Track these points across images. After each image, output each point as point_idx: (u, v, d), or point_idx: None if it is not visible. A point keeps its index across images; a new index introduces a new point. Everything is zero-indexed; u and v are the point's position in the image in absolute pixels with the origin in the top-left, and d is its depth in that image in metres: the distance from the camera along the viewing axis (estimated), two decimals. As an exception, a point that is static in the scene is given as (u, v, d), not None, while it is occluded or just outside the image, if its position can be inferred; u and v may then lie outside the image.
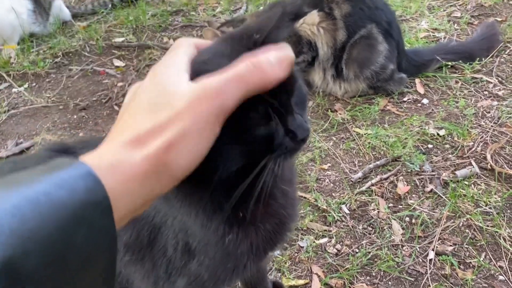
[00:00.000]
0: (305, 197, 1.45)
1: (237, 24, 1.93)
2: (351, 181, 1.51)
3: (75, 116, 1.94)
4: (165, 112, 0.41)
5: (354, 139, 1.70)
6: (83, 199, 0.35)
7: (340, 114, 1.84)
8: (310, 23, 1.86)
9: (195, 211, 0.58)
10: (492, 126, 1.66)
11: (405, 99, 1.90)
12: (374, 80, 1.88)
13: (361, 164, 1.60)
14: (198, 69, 0.45)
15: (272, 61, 0.44)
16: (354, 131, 1.75)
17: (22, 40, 2.44)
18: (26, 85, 2.15)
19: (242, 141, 0.50)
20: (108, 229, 0.37)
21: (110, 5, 2.82)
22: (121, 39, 2.49)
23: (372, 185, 1.48)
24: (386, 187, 1.47)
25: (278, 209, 0.64)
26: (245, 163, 0.51)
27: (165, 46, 2.38)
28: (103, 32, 2.55)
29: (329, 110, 1.86)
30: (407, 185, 1.46)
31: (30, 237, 0.32)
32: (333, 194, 1.47)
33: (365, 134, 1.71)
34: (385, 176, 1.51)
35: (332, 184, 1.52)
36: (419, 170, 1.51)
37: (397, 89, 1.92)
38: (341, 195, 1.46)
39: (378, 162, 1.57)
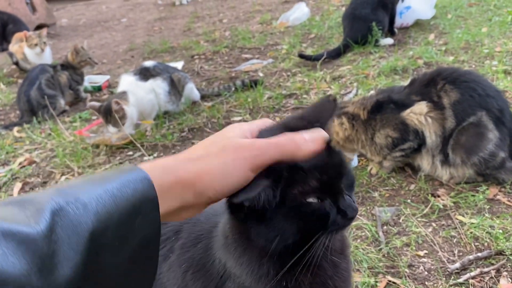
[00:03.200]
0: (394, 283, 1.41)
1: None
2: (448, 271, 1.43)
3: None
4: (216, 147, 0.57)
5: (456, 227, 1.63)
6: (140, 197, 0.50)
7: (443, 200, 1.78)
8: (418, 112, 1.87)
9: (246, 271, 0.67)
10: None
11: (519, 189, 1.77)
12: (482, 167, 1.79)
13: (461, 254, 1.51)
14: (259, 134, 0.62)
15: (307, 139, 0.59)
16: (457, 219, 1.67)
17: (157, 116, 2.87)
18: (155, 155, 2.50)
19: (301, 220, 0.60)
20: (155, 220, 0.51)
21: (233, 88, 3.18)
22: (238, 118, 2.77)
23: (471, 278, 1.38)
24: (486, 282, 1.36)
25: (326, 280, 0.68)
26: (299, 237, 0.61)
27: (276, 125, 2.59)
28: (224, 112, 2.88)
29: (431, 195, 1.82)
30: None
31: (108, 218, 0.46)
32: (426, 283, 1.41)
33: (468, 223, 1.63)
34: (486, 269, 1.40)
35: (426, 272, 1.46)
36: (526, 267, 1.38)
37: (510, 178, 1.81)
38: (435, 284, 1.39)
39: (479, 254, 1.47)
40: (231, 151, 0.56)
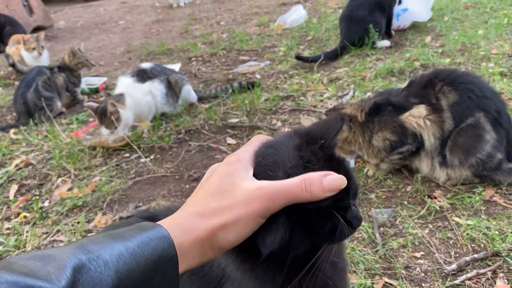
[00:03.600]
0: (391, 284, 1.41)
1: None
2: (444, 272, 1.43)
3: (187, 186, 2.19)
4: (227, 199, 0.57)
5: (452, 229, 1.63)
6: (160, 255, 0.51)
7: (440, 201, 1.78)
8: (417, 115, 1.86)
9: (249, 277, 0.67)
10: None
11: (515, 190, 1.78)
12: (480, 169, 1.80)
13: (457, 255, 1.51)
14: (261, 171, 0.60)
15: (325, 188, 0.57)
16: (454, 220, 1.67)
17: (154, 118, 2.87)
18: (152, 157, 2.50)
19: (312, 233, 0.61)
20: (175, 278, 0.52)
21: (230, 90, 3.18)
22: (235, 120, 2.77)
23: (468, 279, 1.38)
24: (483, 283, 1.36)
25: (326, 280, 0.69)
26: (308, 249, 0.63)
27: (273, 127, 2.59)
28: (221, 113, 2.88)
29: (428, 197, 1.82)
30: (508, 283, 1.34)
31: (128, 276, 0.48)
32: (423, 284, 1.41)
33: (464, 224, 1.63)
34: (482, 271, 1.40)
35: (423, 274, 1.45)
36: (523, 268, 1.38)
37: (506, 180, 1.81)
38: (432, 286, 1.39)
39: (476, 255, 1.47)
40: (243, 204, 0.56)
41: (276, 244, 0.56)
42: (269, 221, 0.57)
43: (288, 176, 0.58)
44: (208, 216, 0.56)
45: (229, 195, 0.57)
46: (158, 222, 0.56)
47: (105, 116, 2.53)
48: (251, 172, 0.60)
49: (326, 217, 0.60)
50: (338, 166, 0.62)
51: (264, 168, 0.61)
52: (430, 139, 1.85)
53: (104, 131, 2.58)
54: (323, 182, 0.56)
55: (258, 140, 0.65)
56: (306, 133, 0.65)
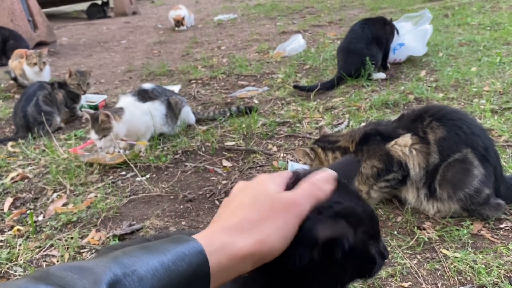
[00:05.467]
0: (378, 312, 1.43)
1: (328, 145, 2.10)
2: (431, 303, 1.46)
3: (181, 206, 2.21)
4: (265, 210, 0.58)
5: (440, 260, 1.66)
6: (195, 271, 0.51)
7: (429, 233, 1.82)
8: (402, 144, 1.92)
9: None
10: None
11: (502, 226, 1.82)
12: (468, 203, 1.84)
13: (444, 287, 1.54)
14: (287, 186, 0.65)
15: (323, 180, 0.63)
16: (441, 252, 1.70)
17: (152, 138, 2.91)
18: (148, 176, 2.53)
19: (357, 266, 0.64)
20: None
21: (228, 114, 3.24)
22: (232, 143, 2.82)
23: (453, 311, 1.41)
24: (468, 316, 1.39)
25: None
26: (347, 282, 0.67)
27: (269, 152, 2.64)
28: (218, 136, 2.93)
29: (417, 228, 1.86)
30: (492, 317, 1.37)
31: None
32: (409, 314, 1.43)
33: (452, 256, 1.66)
34: (468, 303, 1.43)
35: (410, 304, 1.48)
36: (507, 302, 1.41)
37: (494, 215, 1.85)
38: (418, 316, 1.41)
39: (462, 288, 1.50)
40: (281, 211, 0.57)
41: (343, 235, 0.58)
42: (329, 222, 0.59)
43: None
44: (249, 230, 0.56)
45: (267, 205, 0.58)
46: (194, 236, 0.55)
47: (97, 122, 2.61)
48: (283, 186, 0.63)
49: (365, 252, 0.64)
50: (359, 196, 0.67)
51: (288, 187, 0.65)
52: (415, 168, 1.90)
53: (93, 135, 2.66)
54: (320, 178, 0.63)
55: (287, 172, 0.69)
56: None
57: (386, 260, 0.66)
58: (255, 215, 0.57)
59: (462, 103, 3.04)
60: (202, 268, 0.51)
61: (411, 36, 4.01)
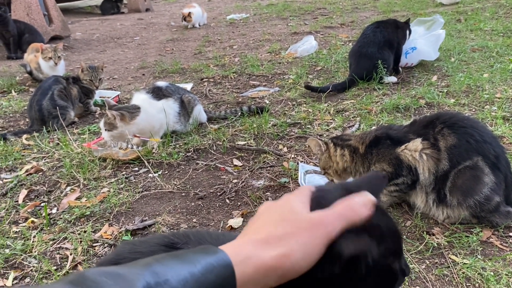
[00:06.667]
0: (386, 315, 1.45)
1: (340, 142, 2.12)
2: (439, 308, 1.48)
3: (192, 204, 2.24)
4: (290, 227, 0.59)
5: (449, 266, 1.68)
6: (222, 284, 0.52)
7: (438, 238, 1.84)
8: (413, 149, 1.93)
9: None
10: None
11: (511, 234, 1.83)
12: (477, 210, 1.85)
13: (452, 293, 1.56)
14: (315, 205, 0.64)
15: (361, 204, 0.62)
16: (450, 258, 1.72)
17: (164, 135, 2.95)
18: (160, 172, 2.56)
19: (379, 283, 0.65)
20: None
21: (239, 113, 3.27)
22: (243, 143, 2.85)
23: (461, 316, 1.43)
24: (475, 322, 1.40)
25: None
26: None
27: (279, 153, 2.66)
28: (229, 135, 2.95)
29: (426, 233, 1.87)
30: (499, 323, 1.38)
31: None
32: (417, 317, 1.45)
33: (461, 262, 1.68)
34: (476, 310, 1.45)
35: (417, 308, 1.50)
36: (514, 310, 1.42)
37: (503, 223, 1.86)
38: (425, 320, 1.43)
39: (470, 294, 1.51)
40: (308, 229, 0.58)
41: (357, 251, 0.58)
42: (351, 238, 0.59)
43: None
44: (274, 244, 0.56)
45: (293, 223, 0.59)
46: (221, 247, 0.56)
47: (107, 115, 2.71)
48: (308, 207, 0.63)
49: (387, 268, 0.64)
50: (383, 211, 0.67)
51: (318, 203, 0.65)
52: (424, 173, 1.91)
53: (101, 124, 2.79)
54: (358, 202, 0.62)
55: (307, 187, 0.69)
56: (355, 188, 0.69)
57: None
58: (280, 231, 0.58)
59: (474, 110, 3.04)
60: (229, 281, 0.52)
61: (423, 41, 4.01)
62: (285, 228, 0.58)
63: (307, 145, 2.46)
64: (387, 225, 0.66)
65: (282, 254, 0.56)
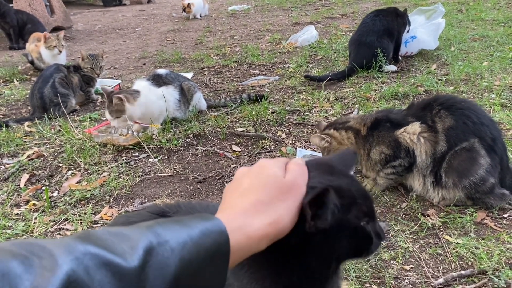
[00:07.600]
0: (379, 291, 1.48)
1: (339, 126, 2.14)
2: (431, 286, 1.51)
3: (191, 187, 2.27)
4: (274, 192, 0.62)
5: (442, 246, 1.70)
6: (218, 248, 0.55)
7: (432, 219, 1.86)
8: (411, 132, 1.96)
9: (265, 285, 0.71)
10: None
11: (505, 215, 1.85)
12: (472, 191, 1.87)
13: (445, 271, 1.58)
14: None
15: (300, 161, 0.70)
16: (444, 238, 1.74)
17: (164, 121, 2.98)
18: (160, 157, 2.59)
19: (352, 243, 0.69)
20: (223, 272, 0.55)
21: (239, 101, 3.28)
22: (242, 129, 2.87)
23: (453, 292, 1.45)
24: (467, 297, 1.43)
25: (333, 285, 0.75)
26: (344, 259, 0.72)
27: (278, 139, 2.68)
28: (228, 122, 2.98)
29: (421, 214, 1.90)
30: (490, 299, 1.41)
31: (189, 264, 0.52)
32: (409, 294, 1.48)
33: (454, 242, 1.70)
34: (468, 287, 1.47)
35: (410, 285, 1.53)
36: (505, 286, 1.45)
37: (498, 204, 1.89)
38: (417, 296, 1.46)
39: (463, 272, 1.54)
40: (288, 192, 0.62)
41: (331, 219, 0.62)
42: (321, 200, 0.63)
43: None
44: (263, 211, 0.60)
45: (275, 187, 0.62)
46: (218, 216, 0.58)
47: (111, 104, 2.69)
48: (284, 170, 0.67)
49: (360, 229, 0.68)
50: (356, 179, 0.72)
51: None
52: (421, 156, 1.93)
53: (107, 115, 2.77)
54: (298, 159, 0.70)
55: (284, 159, 0.73)
56: (327, 161, 0.76)
57: (384, 242, 0.71)
58: (266, 197, 0.61)
59: (472, 97, 3.05)
60: (224, 247, 0.55)
61: (423, 30, 4.01)
62: (270, 194, 0.61)
63: (311, 144, 2.47)
64: (358, 189, 0.69)
65: (272, 220, 0.59)
